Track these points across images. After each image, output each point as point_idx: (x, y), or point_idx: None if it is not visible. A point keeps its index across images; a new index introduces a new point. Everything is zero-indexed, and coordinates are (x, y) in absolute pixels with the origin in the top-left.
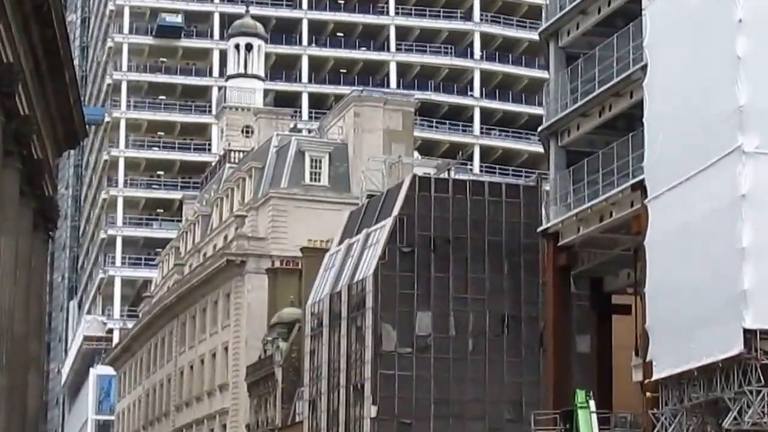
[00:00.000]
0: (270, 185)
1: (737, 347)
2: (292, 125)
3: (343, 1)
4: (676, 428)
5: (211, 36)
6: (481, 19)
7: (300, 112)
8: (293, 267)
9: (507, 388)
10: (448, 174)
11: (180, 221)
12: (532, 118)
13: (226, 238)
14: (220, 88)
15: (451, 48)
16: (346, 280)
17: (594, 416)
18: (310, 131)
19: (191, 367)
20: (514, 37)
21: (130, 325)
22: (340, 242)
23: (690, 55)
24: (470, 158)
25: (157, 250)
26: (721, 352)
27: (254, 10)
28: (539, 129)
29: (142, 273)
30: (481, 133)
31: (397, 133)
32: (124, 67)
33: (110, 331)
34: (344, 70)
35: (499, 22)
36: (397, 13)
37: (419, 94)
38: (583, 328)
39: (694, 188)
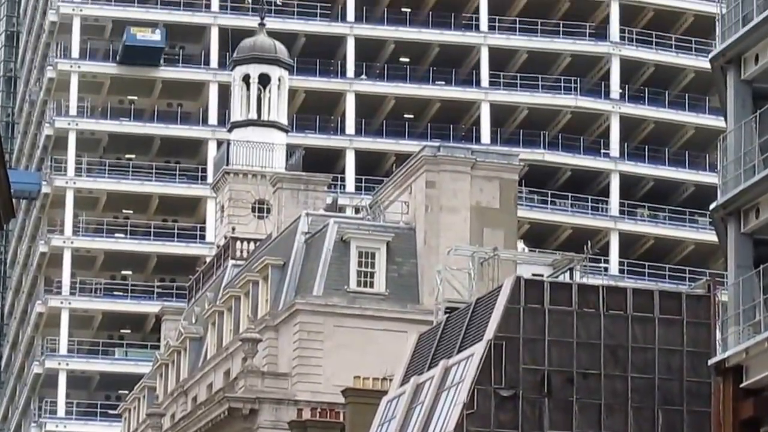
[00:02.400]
0: (296, 293)
1: None
2: (330, 200)
3: (408, 11)
4: None
5: (207, 62)
6: (622, 39)
7: (343, 179)
8: (331, 419)
9: None
10: (571, 276)
11: (156, 348)
12: (700, 189)
13: (228, 373)
14: (219, 143)
15: (575, 82)
16: None
17: None
18: (357, 210)
19: None
20: (671, 66)
21: None
22: (404, 381)
23: None
24: (605, 251)
25: (121, 392)
26: None
27: (273, 22)
28: (711, 207)
29: (96, 428)
30: (622, 212)
31: (492, 212)
32: (73, 110)
33: None
34: (410, 115)
35: (650, 44)
36: (491, 29)
37: (526, 153)
38: None
39: None
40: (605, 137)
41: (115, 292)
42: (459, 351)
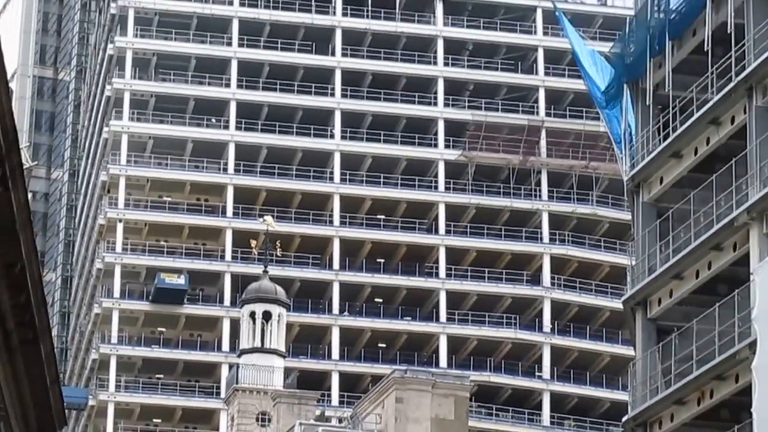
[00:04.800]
0: None
1: None
2: (318, 412)
3: (383, 261)
4: None
5: (221, 301)
6: (552, 284)
7: (329, 395)
8: None
9: None
10: None
11: None
12: (615, 405)
13: None
14: (231, 366)
15: (514, 319)
16: None
17: None
18: (341, 420)
19: None
20: (592, 306)
21: None
22: None
23: None
24: None
25: None
26: None
27: (274, 269)
28: (623, 420)
29: None
30: (552, 424)
31: (448, 423)
32: (114, 339)
33: None
34: (383, 345)
35: (574, 288)
36: (449, 276)
37: (475, 375)
38: None
39: None
40: (539, 363)
41: None
42: None
